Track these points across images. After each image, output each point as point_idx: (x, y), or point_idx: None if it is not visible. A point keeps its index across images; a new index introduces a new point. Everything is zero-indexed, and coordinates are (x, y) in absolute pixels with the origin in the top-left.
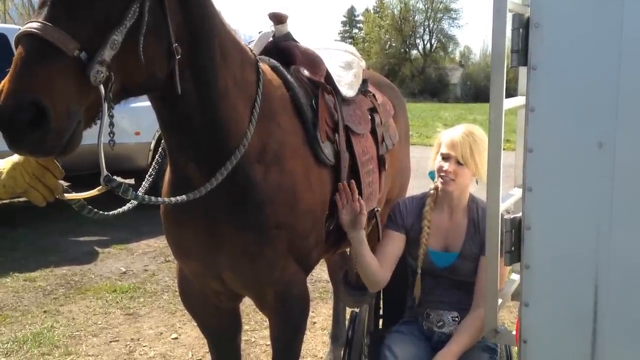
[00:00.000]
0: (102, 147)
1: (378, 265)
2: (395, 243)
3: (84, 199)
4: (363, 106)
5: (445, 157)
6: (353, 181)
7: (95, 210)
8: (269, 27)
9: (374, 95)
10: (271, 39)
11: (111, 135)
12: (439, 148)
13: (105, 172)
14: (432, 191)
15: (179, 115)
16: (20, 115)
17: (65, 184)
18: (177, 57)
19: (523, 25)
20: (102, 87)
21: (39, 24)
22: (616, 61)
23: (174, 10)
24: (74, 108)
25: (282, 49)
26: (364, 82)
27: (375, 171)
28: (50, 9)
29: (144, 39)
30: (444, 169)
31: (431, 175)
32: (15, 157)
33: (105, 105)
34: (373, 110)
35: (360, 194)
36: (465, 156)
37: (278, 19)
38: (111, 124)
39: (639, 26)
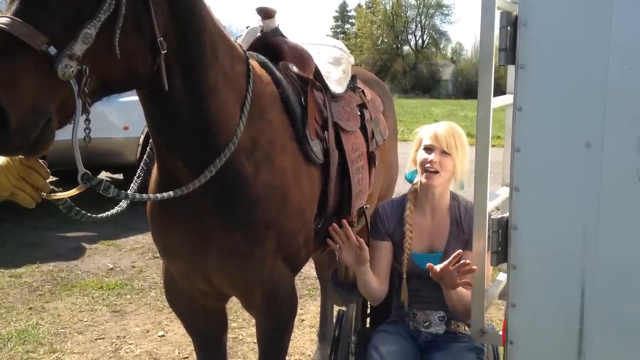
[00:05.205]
0: (84, 143)
1: (378, 282)
2: (384, 253)
3: (71, 199)
4: (352, 102)
5: (429, 149)
6: (344, 221)
7: (83, 212)
8: (257, 21)
9: (363, 91)
10: (259, 34)
11: (87, 131)
12: (419, 145)
13: (83, 170)
14: (410, 194)
15: (167, 112)
16: None
17: (51, 179)
18: (163, 52)
19: (511, 24)
20: (74, 83)
21: (7, 19)
22: (604, 61)
23: (159, 3)
24: (40, 105)
25: (270, 44)
26: (353, 78)
27: (365, 168)
28: (19, 3)
29: (121, 32)
30: (429, 159)
31: (408, 177)
32: None
33: (79, 102)
34: (362, 107)
35: (349, 191)
36: (450, 145)
37: (266, 13)
38: (87, 120)
39: (627, 26)
